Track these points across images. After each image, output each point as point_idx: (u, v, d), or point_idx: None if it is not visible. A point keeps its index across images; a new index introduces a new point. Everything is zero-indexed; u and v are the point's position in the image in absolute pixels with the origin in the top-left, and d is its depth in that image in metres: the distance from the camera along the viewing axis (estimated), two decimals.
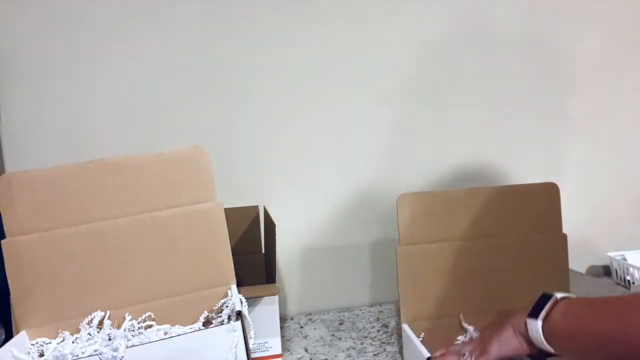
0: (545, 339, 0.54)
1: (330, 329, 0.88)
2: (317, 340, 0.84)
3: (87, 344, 0.60)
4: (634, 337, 0.45)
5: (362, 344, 0.82)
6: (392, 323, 0.89)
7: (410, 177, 0.97)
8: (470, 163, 1.00)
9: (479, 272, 0.73)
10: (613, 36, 1.02)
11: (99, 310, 0.63)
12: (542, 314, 0.55)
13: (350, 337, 0.84)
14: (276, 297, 0.73)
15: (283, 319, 0.93)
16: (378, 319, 0.91)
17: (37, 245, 0.62)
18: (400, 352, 0.76)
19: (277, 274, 0.81)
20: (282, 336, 0.84)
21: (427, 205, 0.73)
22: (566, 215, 1.04)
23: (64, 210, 0.63)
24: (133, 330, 0.63)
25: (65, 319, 0.63)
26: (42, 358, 0.59)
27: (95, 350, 0.56)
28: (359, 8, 0.93)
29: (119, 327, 0.63)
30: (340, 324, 0.91)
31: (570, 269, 1.01)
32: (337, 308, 0.97)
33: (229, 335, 0.55)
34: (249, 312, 0.62)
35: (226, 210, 0.67)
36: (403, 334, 0.71)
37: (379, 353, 0.78)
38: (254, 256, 0.88)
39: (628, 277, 0.95)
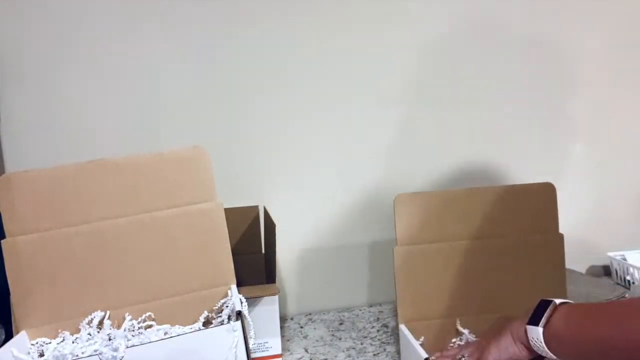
0: (547, 345, 0.54)
1: (330, 329, 0.88)
2: (317, 340, 0.84)
3: (87, 344, 0.60)
4: (635, 343, 0.45)
5: (362, 344, 0.82)
6: (392, 323, 0.89)
7: (411, 177, 0.97)
8: (470, 163, 1.00)
9: (476, 272, 0.73)
10: (613, 36, 1.02)
11: (99, 310, 0.63)
12: (543, 320, 0.55)
13: (350, 337, 0.84)
14: (276, 297, 0.73)
15: (283, 319, 0.93)
16: (378, 319, 0.91)
17: (37, 245, 0.62)
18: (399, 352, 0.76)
19: (277, 274, 0.81)
20: (282, 336, 0.84)
21: (424, 205, 0.73)
22: (566, 215, 1.04)
23: (64, 210, 0.63)
24: (133, 330, 0.63)
25: (65, 319, 0.63)
26: (42, 358, 0.60)
27: (95, 350, 0.56)
28: (359, 8, 0.93)
29: (119, 327, 0.63)
30: (340, 324, 0.91)
31: (570, 269, 1.01)
32: (337, 308, 0.97)
33: (229, 335, 0.55)
34: (249, 312, 0.62)
35: (226, 210, 0.67)
36: (400, 335, 0.71)
37: (379, 353, 0.78)
38: (254, 256, 0.88)
39: (628, 277, 0.95)
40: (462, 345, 0.68)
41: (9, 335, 0.64)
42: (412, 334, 0.68)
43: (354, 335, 0.85)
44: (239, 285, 0.67)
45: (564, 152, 1.04)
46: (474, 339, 0.70)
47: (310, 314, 0.95)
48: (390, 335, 0.84)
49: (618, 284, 0.97)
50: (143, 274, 0.65)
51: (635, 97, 1.04)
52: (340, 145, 0.96)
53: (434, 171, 0.99)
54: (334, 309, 0.97)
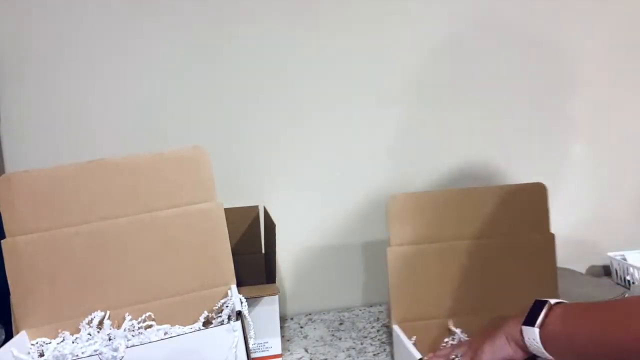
0: (543, 345, 0.54)
1: (330, 329, 0.88)
2: (317, 340, 0.84)
3: (87, 344, 0.60)
4: (632, 342, 0.45)
5: (362, 344, 0.82)
6: None
7: (411, 177, 0.97)
8: (470, 163, 1.00)
9: (469, 272, 0.73)
10: (613, 36, 1.02)
11: (99, 310, 0.63)
12: (539, 321, 0.55)
13: (350, 337, 0.84)
14: (276, 297, 0.73)
15: (283, 319, 0.93)
16: (378, 319, 0.91)
17: (37, 245, 0.62)
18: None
19: (277, 274, 0.81)
20: (282, 336, 0.84)
21: (417, 206, 0.73)
22: (566, 215, 1.04)
23: (64, 210, 0.63)
24: (133, 330, 0.63)
25: (65, 319, 0.63)
26: (42, 358, 0.60)
27: (95, 350, 0.56)
28: (359, 8, 0.93)
29: (119, 327, 0.63)
30: (340, 324, 0.91)
31: (570, 269, 1.01)
32: (337, 308, 0.97)
33: (229, 335, 0.55)
34: (249, 312, 0.62)
35: (226, 210, 0.67)
36: (394, 335, 0.71)
37: (379, 353, 0.78)
38: (254, 256, 0.88)
39: (628, 277, 0.95)
40: (455, 344, 0.68)
41: (9, 335, 0.64)
42: (406, 334, 0.68)
43: (354, 335, 0.85)
44: (239, 285, 0.67)
45: (564, 152, 1.04)
46: (467, 339, 0.70)
47: (310, 314, 0.95)
48: (390, 336, 0.84)
49: (618, 284, 0.97)
50: (143, 274, 0.65)
51: (635, 97, 1.04)
52: (341, 145, 0.96)
53: (434, 171, 0.99)
54: (334, 309, 0.97)
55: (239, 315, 0.57)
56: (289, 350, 0.81)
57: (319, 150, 0.95)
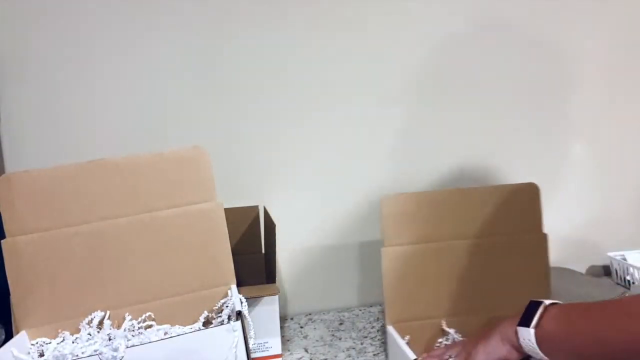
0: (538, 346, 0.54)
1: (330, 329, 0.88)
2: (317, 340, 0.84)
3: (87, 344, 0.60)
4: (628, 341, 0.45)
5: (362, 344, 0.82)
6: None
7: (411, 177, 0.97)
8: (470, 163, 1.00)
9: (463, 273, 0.74)
10: (613, 36, 1.02)
11: (99, 310, 0.63)
12: (534, 321, 0.55)
13: (350, 337, 0.84)
14: (276, 297, 0.73)
15: (283, 319, 0.93)
16: (378, 319, 0.91)
17: (37, 245, 0.62)
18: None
19: (277, 274, 0.81)
20: (282, 336, 0.84)
21: (410, 206, 0.73)
22: (566, 215, 1.04)
23: (64, 210, 0.63)
24: (133, 330, 0.63)
25: (65, 319, 0.63)
26: (42, 358, 0.60)
27: (95, 350, 0.56)
28: (359, 8, 0.93)
29: (119, 327, 0.63)
30: (340, 324, 0.91)
31: (570, 269, 1.01)
32: (337, 308, 0.97)
33: (229, 335, 0.55)
34: (249, 312, 0.62)
35: (226, 210, 0.67)
36: (388, 336, 0.71)
37: (378, 353, 0.78)
38: (254, 256, 0.88)
39: (628, 277, 0.95)
40: (449, 345, 0.68)
41: (9, 335, 0.64)
42: (400, 334, 0.68)
43: (354, 335, 0.85)
44: (239, 285, 0.67)
45: (564, 152, 1.04)
46: (461, 339, 0.70)
47: (310, 314, 0.95)
48: None
49: (618, 284, 0.97)
50: (143, 274, 0.65)
51: (635, 97, 1.04)
52: (341, 145, 0.96)
53: (434, 171, 0.99)
54: (334, 309, 0.97)
55: (239, 315, 0.57)
56: (289, 350, 0.81)
57: (319, 150, 0.95)
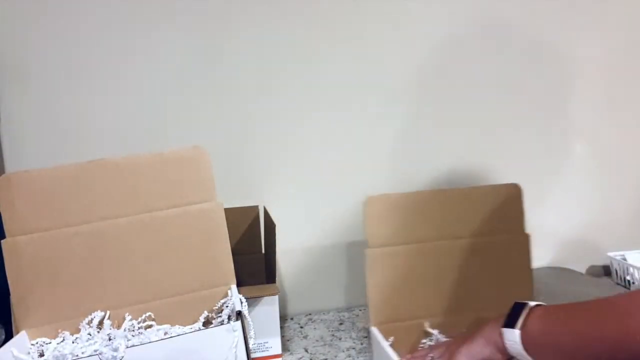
0: (524, 347, 0.54)
1: (330, 329, 0.88)
2: (317, 340, 0.84)
3: (87, 344, 0.60)
4: (612, 340, 0.46)
5: (362, 344, 0.82)
6: None
7: (411, 177, 0.97)
8: (470, 163, 1.00)
9: (446, 273, 0.74)
10: (613, 36, 1.02)
11: (99, 310, 0.63)
12: (520, 322, 0.55)
13: (350, 337, 0.84)
14: (276, 297, 0.73)
15: (283, 319, 0.93)
16: None
17: (37, 245, 0.62)
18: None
19: (277, 274, 0.81)
20: (282, 336, 0.84)
21: (394, 207, 0.73)
22: (566, 215, 1.05)
23: (64, 210, 0.63)
24: (133, 330, 0.63)
25: (65, 319, 0.63)
26: (42, 358, 0.59)
27: (95, 350, 0.56)
28: (359, 8, 0.93)
29: (119, 327, 0.63)
30: (340, 324, 0.91)
31: (570, 269, 1.01)
32: (337, 308, 0.97)
33: (229, 335, 0.55)
34: (249, 312, 0.62)
35: (226, 210, 0.67)
36: (371, 337, 0.71)
37: None
38: (254, 256, 0.88)
39: (628, 277, 0.95)
40: (433, 346, 0.68)
41: (9, 335, 0.64)
42: (384, 336, 0.68)
43: (354, 335, 0.85)
44: (239, 285, 0.67)
45: (564, 152, 1.04)
46: (445, 339, 0.70)
47: (310, 314, 0.95)
48: None
49: (618, 284, 0.97)
50: (143, 274, 0.65)
51: (635, 98, 1.04)
52: (341, 145, 0.96)
53: (434, 171, 0.99)
54: (334, 309, 0.97)
55: (239, 315, 0.57)
56: (289, 350, 0.81)
57: (319, 150, 0.95)
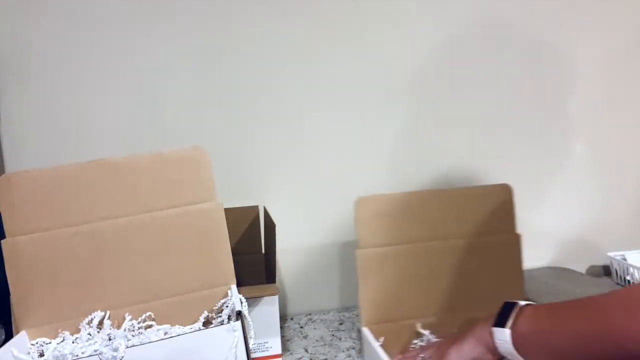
0: (514, 346, 0.54)
1: (330, 329, 0.88)
2: (317, 340, 0.84)
3: (87, 344, 0.60)
4: (603, 338, 0.46)
5: (362, 344, 0.82)
6: None
7: (411, 177, 0.97)
8: (470, 163, 1.00)
9: (438, 274, 0.74)
10: (613, 36, 1.02)
11: (99, 310, 0.63)
12: (510, 321, 0.55)
13: (350, 337, 0.84)
14: (276, 297, 0.73)
15: (283, 319, 0.93)
16: None
17: (37, 245, 0.62)
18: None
19: (277, 274, 0.81)
20: (282, 336, 0.84)
21: (385, 207, 0.73)
22: (566, 215, 1.04)
23: (64, 210, 0.63)
24: (133, 330, 0.63)
25: (65, 319, 0.63)
26: (42, 358, 0.59)
27: (95, 350, 0.56)
28: (359, 8, 0.93)
29: (119, 327, 0.63)
30: (340, 324, 0.91)
31: (570, 269, 1.01)
32: (337, 308, 0.97)
33: (229, 335, 0.55)
34: (249, 312, 0.62)
35: (226, 210, 0.67)
36: (362, 338, 0.71)
37: None
38: (254, 256, 0.88)
39: (628, 277, 0.95)
40: (424, 346, 0.69)
41: (9, 335, 0.64)
42: (375, 336, 0.68)
43: (354, 335, 0.85)
44: (239, 285, 0.67)
45: (564, 152, 1.04)
46: (436, 340, 0.70)
47: (310, 314, 0.95)
48: None
49: (618, 284, 0.97)
50: (143, 274, 0.65)
51: (635, 97, 1.04)
52: (341, 145, 0.96)
53: (434, 171, 0.99)
54: (334, 309, 0.97)
55: (239, 315, 0.57)
56: (289, 350, 0.81)
57: (319, 150, 0.95)
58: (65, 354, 0.58)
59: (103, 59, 0.88)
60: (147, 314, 0.64)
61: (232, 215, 0.74)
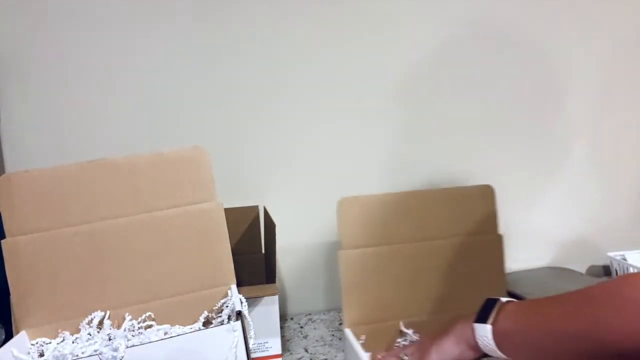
0: (495, 342, 0.54)
1: (330, 329, 0.88)
2: (317, 340, 0.84)
3: (87, 344, 0.60)
4: (583, 333, 0.46)
5: None
6: None
7: (411, 177, 0.97)
8: (470, 163, 1.00)
9: (420, 274, 0.74)
10: (613, 36, 1.02)
11: (99, 310, 0.63)
12: (491, 317, 0.55)
13: None
14: (276, 297, 0.73)
15: (283, 319, 0.93)
16: None
17: (37, 245, 0.62)
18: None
19: (277, 274, 0.81)
20: (282, 336, 0.84)
21: (367, 208, 0.73)
22: (566, 215, 1.04)
23: (64, 210, 0.63)
24: (133, 330, 0.63)
25: (65, 319, 0.63)
26: (42, 358, 0.59)
27: (95, 350, 0.56)
28: (359, 8, 0.93)
29: (119, 327, 0.63)
30: (341, 324, 0.91)
31: (570, 269, 1.01)
32: (337, 308, 0.97)
33: (229, 335, 0.55)
34: (249, 312, 0.62)
35: (226, 210, 0.67)
36: (345, 339, 0.71)
37: None
38: (254, 256, 0.88)
39: None
40: (407, 345, 0.69)
41: (9, 335, 0.64)
42: (359, 338, 0.68)
43: None
44: (239, 285, 0.67)
45: (564, 152, 1.04)
46: (418, 339, 0.70)
47: (310, 314, 0.95)
48: None
49: None
50: (143, 274, 0.65)
51: (635, 97, 1.04)
52: (341, 146, 0.96)
53: (433, 171, 0.99)
54: (334, 309, 0.97)
55: (239, 315, 0.57)
56: (289, 350, 0.81)
57: (319, 150, 0.95)
58: (65, 354, 0.58)
59: (103, 59, 0.88)
60: (147, 314, 0.64)
61: (232, 215, 0.74)
